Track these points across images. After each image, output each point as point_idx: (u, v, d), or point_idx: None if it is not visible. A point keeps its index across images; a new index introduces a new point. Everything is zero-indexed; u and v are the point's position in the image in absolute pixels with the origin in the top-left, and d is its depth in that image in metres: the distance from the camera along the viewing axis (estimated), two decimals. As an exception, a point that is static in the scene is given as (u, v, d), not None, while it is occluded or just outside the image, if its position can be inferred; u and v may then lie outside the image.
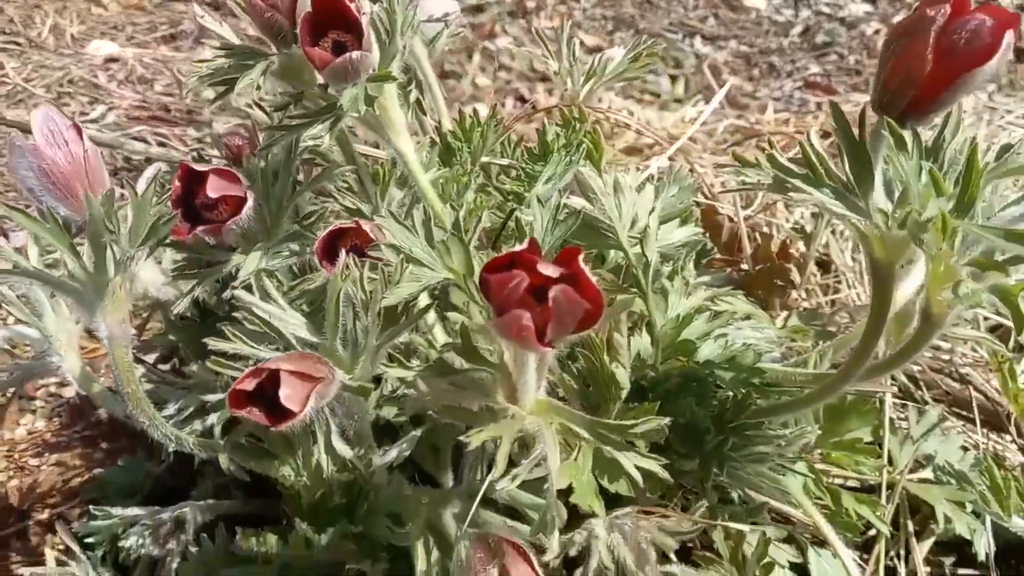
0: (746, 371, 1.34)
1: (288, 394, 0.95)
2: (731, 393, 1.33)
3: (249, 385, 0.96)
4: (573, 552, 1.10)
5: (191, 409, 1.51)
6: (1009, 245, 0.93)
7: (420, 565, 1.10)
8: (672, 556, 1.52)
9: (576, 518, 1.16)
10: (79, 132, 1.20)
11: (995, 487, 1.61)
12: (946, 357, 2.17)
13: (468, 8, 5.53)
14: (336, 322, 1.13)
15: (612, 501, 1.21)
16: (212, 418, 1.61)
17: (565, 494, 1.28)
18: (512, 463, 1.20)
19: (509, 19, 5.65)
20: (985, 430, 2.01)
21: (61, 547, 1.77)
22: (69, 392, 2.48)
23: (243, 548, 1.21)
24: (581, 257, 0.85)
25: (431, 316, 1.19)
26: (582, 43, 5.00)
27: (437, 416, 0.94)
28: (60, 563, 1.51)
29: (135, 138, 3.76)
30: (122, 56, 4.82)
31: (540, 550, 1.06)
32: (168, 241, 1.26)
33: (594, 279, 0.85)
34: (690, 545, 1.44)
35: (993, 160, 1.03)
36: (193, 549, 1.42)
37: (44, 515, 2.05)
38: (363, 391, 1.12)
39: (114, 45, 5.03)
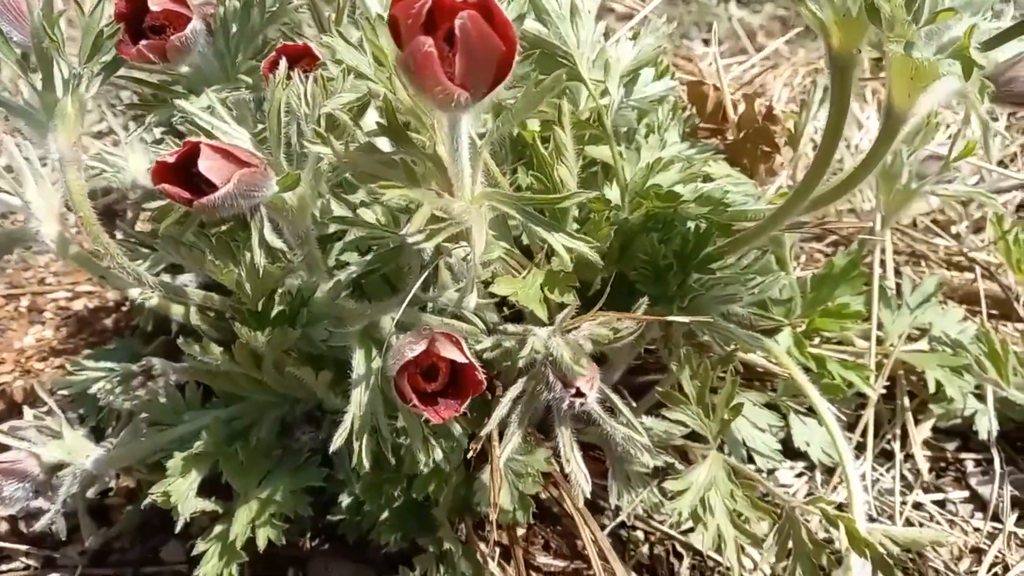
0: (711, 206, 1.29)
1: (209, 166, 0.94)
2: (693, 227, 1.28)
3: (171, 158, 0.95)
4: (507, 344, 1.07)
5: (163, 266, 1.53)
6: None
7: (358, 367, 1.09)
8: (643, 416, 1.48)
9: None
10: (31, -42, 1.20)
11: (992, 353, 1.53)
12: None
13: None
14: (278, 133, 1.12)
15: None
16: (184, 277, 1.63)
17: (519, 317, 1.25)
18: (455, 278, 1.18)
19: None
20: (993, 322, 1.91)
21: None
22: (78, 305, 2.53)
23: (186, 355, 1.21)
24: (492, -6, 0.82)
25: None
26: (613, 10, 4.93)
27: (357, 181, 0.92)
28: (39, 419, 1.53)
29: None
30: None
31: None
32: (122, 76, 1.26)
33: (508, 16, 0.82)
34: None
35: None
36: (163, 399, 1.43)
37: (44, 410, 2.10)
38: (304, 203, 1.10)
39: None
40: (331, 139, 0.94)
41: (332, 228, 1.32)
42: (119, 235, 1.65)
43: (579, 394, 1.05)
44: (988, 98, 1.01)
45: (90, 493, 1.55)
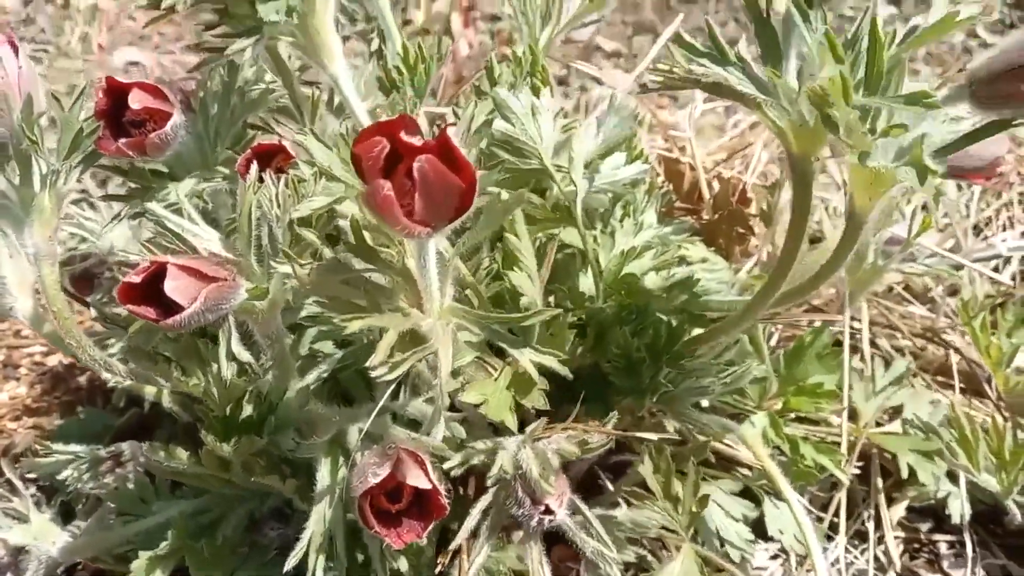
0: (683, 298, 1.30)
1: (175, 287, 0.94)
2: (666, 320, 1.29)
3: (137, 277, 0.94)
4: (476, 461, 1.07)
5: (134, 348, 1.51)
6: (910, 108, 0.91)
7: (323, 480, 1.08)
8: (621, 504, 1.48)
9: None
10: (15, 50, 1.20)
11: (963, 439, 1.54)
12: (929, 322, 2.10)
13: (486, 16, 5.55)
14: (249, 235, 1.12)
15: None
16: (157, 358, 1.61)
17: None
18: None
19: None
20: (966, 396, 1.92)
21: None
22: (53, 361, 2.50)
23: (152, 460, 1.20)
24: (452, 131, 0.83)
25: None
26: (599, 47, 4.95)
27: (325, 310, 0.92)
28: (5, 499, 1.51)
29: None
30: (143, 61, 4.92)
31: (443, 461, 1.03)
32: (99, 162, 1.26)
33: (466, 153, 0.83)
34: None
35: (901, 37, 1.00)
36: (131, 486, 1.42)
37: (5, 479, 2.07)
38: (274, 306, 1.10)
39: (137, 51, 5.16)
40: (295, 261, 0.94)
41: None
42: (93, 312, 1.64)
43: (548, 511, 1.04)
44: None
45: (59, 570, 1.53)
